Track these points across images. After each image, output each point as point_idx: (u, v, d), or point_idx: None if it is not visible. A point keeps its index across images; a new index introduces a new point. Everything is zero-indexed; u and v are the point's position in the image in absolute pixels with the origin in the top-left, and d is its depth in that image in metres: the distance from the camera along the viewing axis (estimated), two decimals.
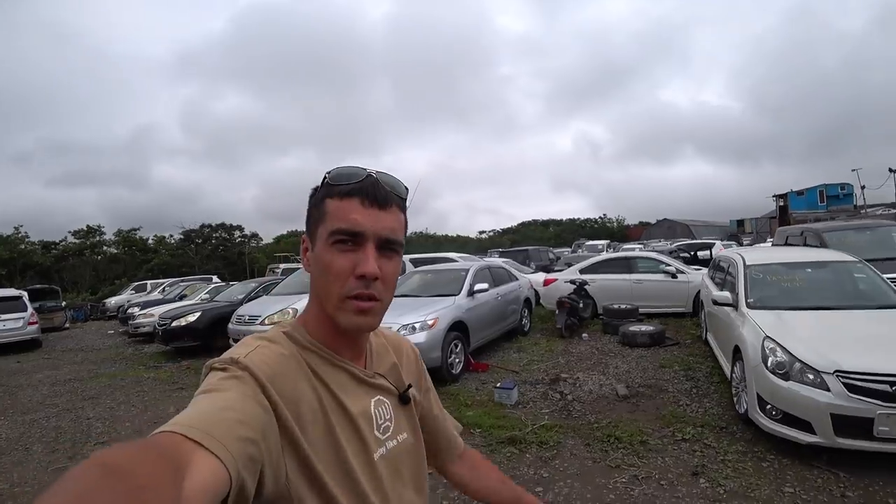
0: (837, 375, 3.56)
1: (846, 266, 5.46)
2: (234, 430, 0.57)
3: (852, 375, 3.52)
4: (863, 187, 40.96)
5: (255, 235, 51.98)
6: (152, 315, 12.99)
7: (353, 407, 0.79)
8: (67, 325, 19.42)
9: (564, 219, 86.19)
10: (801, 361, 3.77)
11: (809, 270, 5.56)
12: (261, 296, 10.99)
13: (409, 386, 0.94)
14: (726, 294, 5.45)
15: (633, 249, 19.53)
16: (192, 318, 10.38)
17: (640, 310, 9.52)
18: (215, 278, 23.92)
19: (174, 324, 10.35)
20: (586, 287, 10.12)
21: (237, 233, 49.84)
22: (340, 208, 0.76)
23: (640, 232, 73.95)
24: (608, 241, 31.16)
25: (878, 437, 3.39)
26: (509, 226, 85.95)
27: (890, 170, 36.89)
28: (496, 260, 13.18)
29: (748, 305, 4.96)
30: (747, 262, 5.82)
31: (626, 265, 10.73)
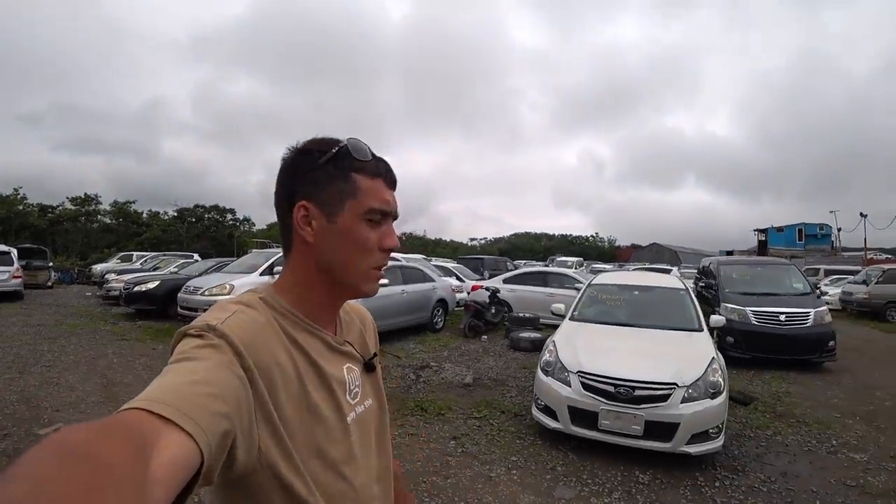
0: (579, 375, 4.35)
1: (673, 292, 6.32)
2: (207, 404, 0.55)
3: (588, 376, 4.30)
4: (839, 229, 42.19)
5: (247, 220, 53.15)
6: (122, 281, 14.22)
7: (330, 372, 0.81)
8: (51, 284, 20.66)
9: (557, 234, 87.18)
10: (561, 362, 4.59)
11: (637, 293, 6.54)
12: (212, 272, 12.15)
13: (375, 354, 0.98)
14: (561, 306, 6.53)
15: (566, 264, 20.73)
16: (151, 285, 12.02)
17: (544, 320, 10.55)
18: (196, 256, 25.03)
19: (136, 288, 11.93)
20: (498, 294, 11.23)
21: (229, 216, 51.15)
22: (373, 188, 0.80)
23: (629, 253, 75.00)
24: (580, 259, 32.20)
25: (601, 428, 4.16)
26: (502, 235, 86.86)
27: (861, 214, 38.07)
28: (417, 261, 14.18)
29: (570, 318, 6.01)
30: (592, 282, 6.92)
31: (542, 279, 11.88)
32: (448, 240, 79.36)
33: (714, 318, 5.86)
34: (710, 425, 4.00)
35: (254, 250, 17.75)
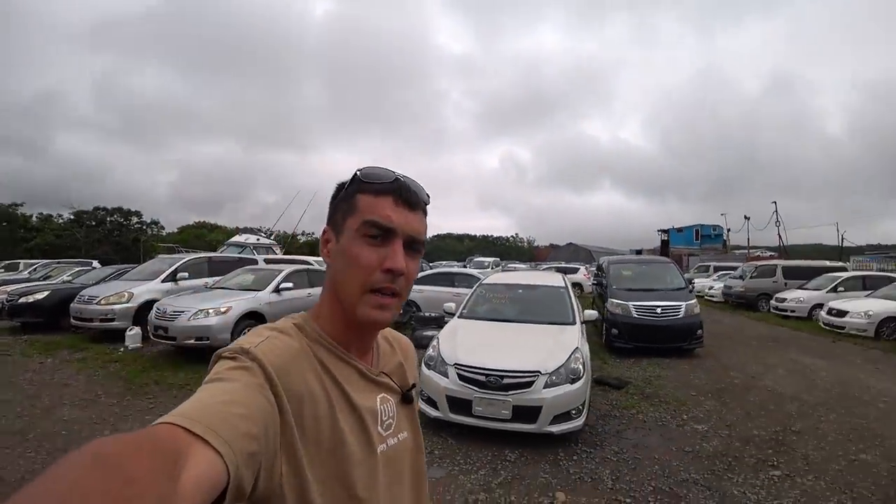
0: (455, 367, 4.73)
1: (554, 290, 6.87)
2: (238, 424, 0.56)
3: (463, 367, 4.68)
4: (728, 230, 46.39)
5: (155, 223, 50.26)
6: (6, 292, 13.12)
7: (360, 402, 0.80)
8: None
9: (480, 235, 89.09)
10: (441, 356, 4.96)
11: (521, 291, 7.06)
12: (111, 280, 11.57)
13: (413, 385, 0.95)
14: (452, 305, 6.91)
15: (483, 265, 21.60)
16: (39, 295, 11.13)
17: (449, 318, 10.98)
18: (95, 263, 23.48)
19: (21, 300, 10.97)
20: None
21: (135, 219, 48.14)
22: (374, 204, 0.78)
23: (547, 253, 78.09)
24: (497, 259, 33.26)
25: (475, 414, 4.55)
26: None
27: (745, 217, 42.08)
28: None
29: (459, 315, 6.39)
30: (482, 282, 7.33)
31: (450, 279, 12.29)
32: None
33: (587, 312, 6.48)
34: (570, 407, 4.49)
35: (159, 256, 16.97)
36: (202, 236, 47.86)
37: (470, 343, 5.22)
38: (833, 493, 3.84)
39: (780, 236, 39.38)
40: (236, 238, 21.81)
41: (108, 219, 46.15)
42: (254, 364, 0.66)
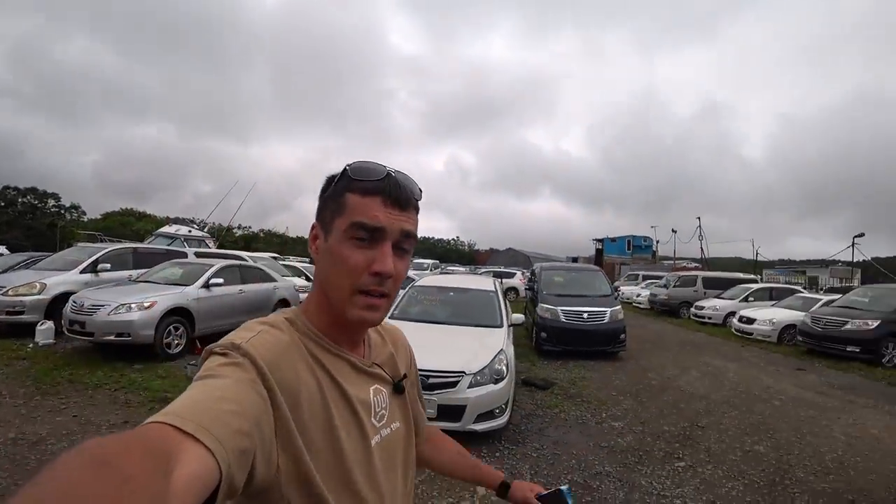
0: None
1: (484, 293, 7.05)
2: (229, 421, 0.56)
3: None
4: (657, 241, 48.98)
5: (75, 207, 47.07)
6: None
7: (354, 394, 0.80)
8: None
9: (421, 236, 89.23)
10: None
11: (452, 294, 7.17)
12: (20, 269, 10.82)
13: (404, 376, 0.97)
14: None
15: (422, 266, 21.84)
16: None
17: None
18: (3, 249, 21.82)
19: None
20: None
21: (52, 201, 44.84)
22: (362, 204, 0.77)
23: (487, 257, 79.48)
24: (435, 262, 33.48)
25: None
26: None
27: (672, 230, 44.59)
28: (264, 260, 13.95)
29: (390, 317, 6.44)
30: (415, 284, 7.42)
31: None
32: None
33: (515, 316, 6.73)
34: (494, 406, 4.67)
35: (79, 244, 15.87)
36: (128, 224, 45.16)
37: None
38: (728, 480, 4.22)
39: (702, 249, 42.03)
40: (166, 228, 20.71)
41: (20, 200, 42.75)
42: (245, 359, 0.66)
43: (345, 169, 0.80)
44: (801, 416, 6.33)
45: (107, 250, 10.38)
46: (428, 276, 8.65)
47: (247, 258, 13.57)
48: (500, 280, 22.30)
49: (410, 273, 14.40)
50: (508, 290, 21.71)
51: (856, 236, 31.69)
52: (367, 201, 0.77)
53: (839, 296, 13.57)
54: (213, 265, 9.20)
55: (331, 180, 0.82)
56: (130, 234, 32.65)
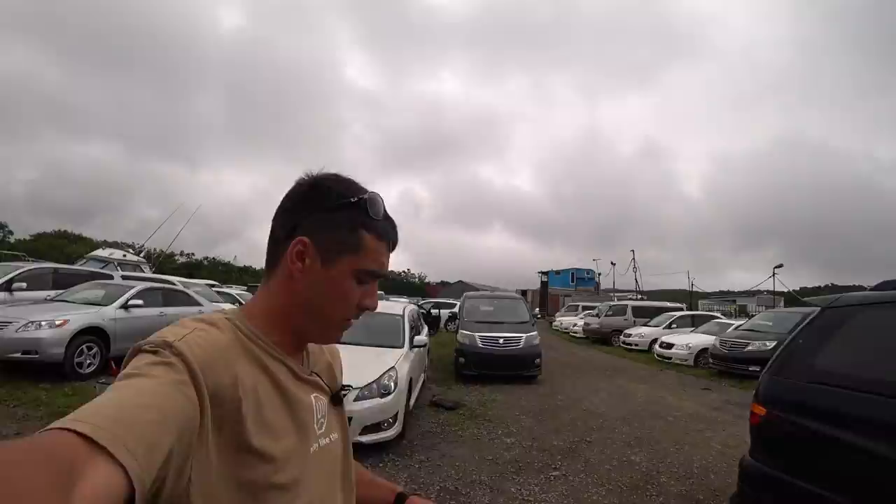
0: None
1: (391, 317, 7.27)
2: (147, 433, 0.50)
3: None
4: (599, 274, 50.71)
5: (2, 226, 44.58)
6: None
7: (297, 396, 0.78)
8: None
9: None
10: None
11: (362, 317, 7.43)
12: None
13: (342, 387, 0.97)
14: None
15: None
16: None
17: None
18: None
19: None
20: None
21: None
22: (376, 250, 0.79)
23: (437, 290, 79.69)
24: (379, 292, 33.52)
25: None
26: None
27: (611, 262, 46.43)
28: (199, 287, 13.89)
29: None
30: None
31: None
32: (258, 268, 75.71)
33: (418, 338, 6.99)
34: (381, 419, 4.88)
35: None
36: (60, 247, 43.06)
37: None
38: (595, 487, 4.53)
39: (636, 281, 43.74)
40: (98, 252, 19.94)
41: None
42: (177, 359, 0.61)
43: (363, 202, 0.78)
44: (689, 429, 6.79)
45: (22, 269, 10.09)
46: None
47: (176, 283, 13.38)
48: (426, 310, 22.68)
49: None
50: (453, 318, 22.11)
51: (775, 267, 33.86)
52: (380, 247, 0.80)
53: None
54: (132, 286, 9.11)
55: (320, 188, 0.79)
56: (61, 257, 31.14)
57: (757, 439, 3.21)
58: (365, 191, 0.81)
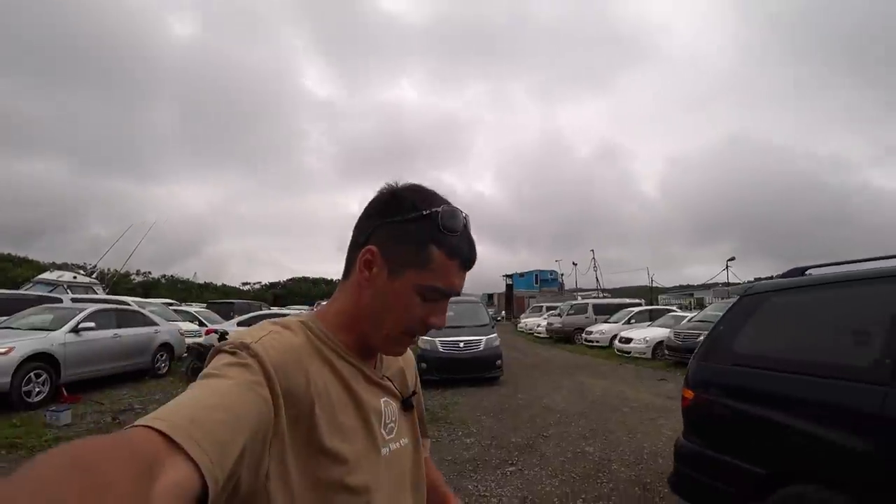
0: None
1: None
2: (220, 431, 0.53)
3: None
4: (561, 275, 51.69)
5: None
6: None
7: (367, 399, 0.78)
8: None
9: (336, 279, 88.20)
10: None
11: None
12: None
13: (414, 392, 0.95)
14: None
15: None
16: None
17: None
18: None
19: None
20: (227, 336, 11.29)
21: None
22: (445, 268, 0.77)
23: None
24: None
25: None
26: (278, 280, 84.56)
27: (573, 263, 47.44)
28: (155, 306, 13.70)
29: None
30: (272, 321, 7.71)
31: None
32: (220, 284, 74.13)
33: None
34: None
35: None
36: (5, 271, 41.28)
37: None
38: (548, 478, 4.71)
39: (597, 279, 44.81)
40: (46, 275, 19.19)
41: None
42: (253, 360, 0.64)
43: (433, 213, 0.76)
44: (643, 419, 7.08)
45: None
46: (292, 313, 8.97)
47: (131, 303, 13.09)
48: None
49: (288, 311, 14.56)
50: None
51: (728, 260, 35.38)
52: (450, 265, 0.77)
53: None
54: (83, 309, 8.90)
55: (396, 198, 0.79)
56: (6, 281, 29.84)
57: (688, 421, 3.43)
58: (442, 203, 0.78)
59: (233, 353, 0.65)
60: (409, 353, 1.00)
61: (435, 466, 1.12)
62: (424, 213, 0.76)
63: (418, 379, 1.03)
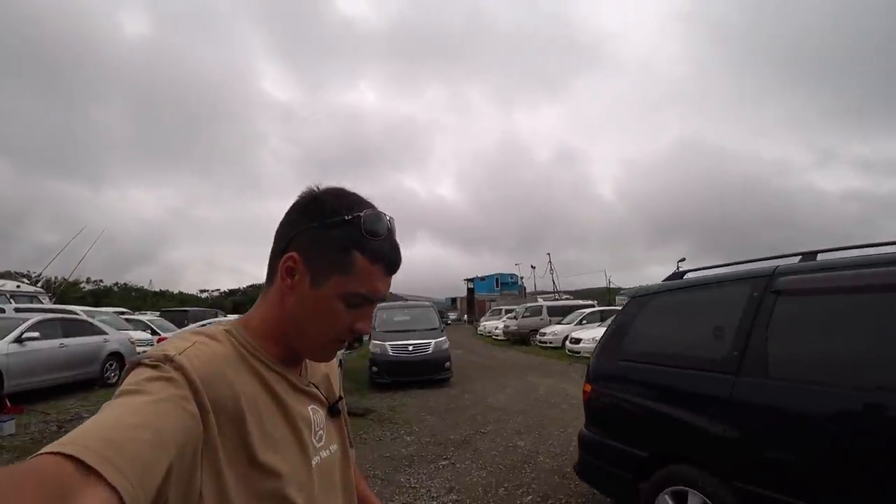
0: None
1: None
2: (141, 452, 0.49)
3: None
4: (521, 278, 52.61)
5: None
6: None
7: (295, 408, 0.77)
8: None
9: None
10: None
11: None
12: None
13: (340, 398, 0.94)
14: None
15: None
16: None
17: None
18: None
19: None
20: None
21: None
22: (368, 273, 0.75)
23: None
24: None
25: None
26: (238, 287, 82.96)
27: (531, 266, 48.45)
28: (105, 315, 13.56)
29: None
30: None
31: None
32: (177, 291, 72.18)
33: None
34: None
35: None
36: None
37: None
38: (477, 471, 5.07)
39: (553, 282, 45.89)
40: None
41: None
42: (177, 374, 0.61)
43: (354, 217, 0.75)
44: (578, 415, 7.42)
45: None
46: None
47: (79, 313, 12.90)
48: None
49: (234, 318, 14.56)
50: None
51: (679, 261, 36.52)
52: (374, 270, 0.76)
53: None
54: (27, 318, 8.84)
55: (317, 203, 0.77)
56: None
57: (588, 413, 3.84)
58: (366, 207, 0.77)
59: (154, 367, 0.62)
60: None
61: (361, 476, 1.08)
62: (346, 217, 0.75)
63: (342, 383, 1.02)
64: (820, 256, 2.94)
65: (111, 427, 0.51)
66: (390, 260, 0.78)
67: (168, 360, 0.62)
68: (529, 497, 4.45)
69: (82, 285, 48.61)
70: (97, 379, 9.93)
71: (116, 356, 10.50)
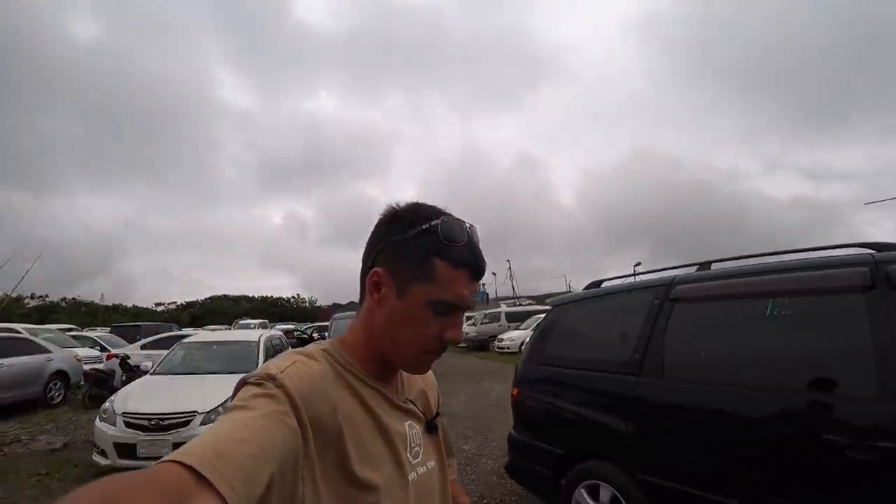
0: (122, 416, 5.25)
1: (246, 344, 7.70)
2: (246, 464, 0.54)
3: (130, 415, 5.24)
4: (484, 284, 53.22)
5: None
6: None
7: (391, 426, 0.79)
8: None
9: (258, 296, 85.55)
10: (113, 408, 5.43)
11: (215, 347, 7.71)
12: None
13: (438, 414, 0.95)
14: (149, 364, 7.29)
15: (249, 326, 21.91)
16: None
17: None
18: None
19: None
20: (129, 361, 11.10)
21: None
22: (451, 279, 0.76)
23: (330, 313, 78.33)
24: (263, 321, 32.86)
25: (139, 457, 5.04)
26: (195, 299, 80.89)
27: (493, 273, 49.16)
28: (51, 332, 13.26)
29: (152, 372, 6.83)
30: (183, 341, 7.85)
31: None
32: (130, 305, 69.84)
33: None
34: None
35: None
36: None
37: (144, 394, 5.73)
38: None
39: (513, 288, 46.62)
40: None
41: None
42: (279, 391, 0.65)
43: (432, 226, 0.76)
44: None
45: None
46: (199, 333, 9.01)
47: (21, 331, 12.49)
48: (308, 333, 22.64)
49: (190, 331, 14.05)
50: None
51: (635, 265, 37.72)
52: (457, 276, 0.76)
53: None
54: None
55: (399, 222, 0.79)
56: None
57: (516, 415, 4.06)
58: (443, 216, 0.78)
59: (259, 385, 0.66)
60: (431, 373, 0.99)
61: (462, 489, 1.10)
62: (424, 227, 0.76)
63: (439, 402, 1.04)
64: (714, 266, 3.26)
65: (220, 440, 0.55)
66: (473, 265, 0.78)
67: (271, 378, 0.66)
68: None
69: (26, 301, 46.59)
70: (40, 399, 9.65)
71: (61, 375, 10.24)
